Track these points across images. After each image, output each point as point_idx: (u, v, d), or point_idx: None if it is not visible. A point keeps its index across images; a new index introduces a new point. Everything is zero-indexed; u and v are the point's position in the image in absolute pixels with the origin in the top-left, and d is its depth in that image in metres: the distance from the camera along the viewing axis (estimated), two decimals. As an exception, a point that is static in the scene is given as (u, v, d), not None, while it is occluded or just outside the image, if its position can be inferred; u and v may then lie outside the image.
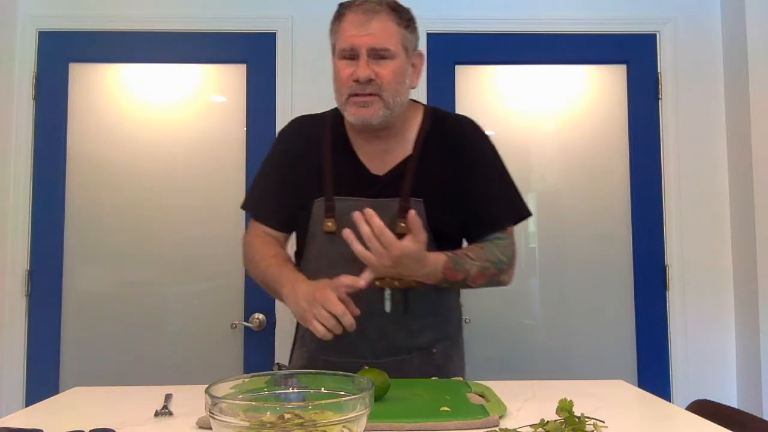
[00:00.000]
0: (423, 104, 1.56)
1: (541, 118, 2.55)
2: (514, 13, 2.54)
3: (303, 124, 1.58)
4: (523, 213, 1.52)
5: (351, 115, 1.41)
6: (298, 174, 1.49)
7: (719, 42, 2.55)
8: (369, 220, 1.25)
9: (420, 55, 1.48)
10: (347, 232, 1.26)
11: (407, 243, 1.26)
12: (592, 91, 2.58)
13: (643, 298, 2.49)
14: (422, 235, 1.28)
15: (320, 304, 1.26)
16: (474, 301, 2.46)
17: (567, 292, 2.51)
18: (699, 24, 2.55)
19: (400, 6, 1.42)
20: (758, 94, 2.36)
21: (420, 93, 2.47)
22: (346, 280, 1.28)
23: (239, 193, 2.43)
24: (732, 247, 2.48)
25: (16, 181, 2.42)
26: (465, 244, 1.55)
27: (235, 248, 2.45)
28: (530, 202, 2.52)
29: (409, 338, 1.44)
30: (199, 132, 2.49)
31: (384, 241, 1.24)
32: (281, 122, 2.45)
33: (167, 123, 2.50)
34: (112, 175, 2.47)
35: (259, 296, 2.41)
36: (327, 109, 1.60)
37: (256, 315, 2.41)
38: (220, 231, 2.45)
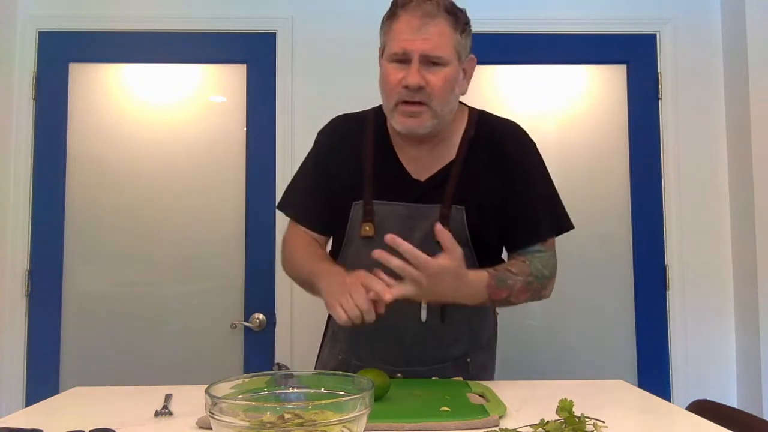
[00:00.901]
0: (469, 107, 1.51)
1: (541, 118, 2.55)
2: (514, 13, 2.54)
3: (343, 123, 1.52)
4: (565, 225, 1.48)
5: (398, 124, 1.36)
6: (337, 175, 1.45)
7: (719, 42, 2.55)
8: (398, 246, 1.20)
9: (472, 59, 1.43)
10: (380, 254, 1.21)
11: (442, 260, 1.21)
12: (592, 91, 2.58)
13: (643, 298, 2.49)
14: (457, 251, 1.23)
15: (349, 293, 1.22)
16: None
17: (567, 292, 2.50)
18: (699, 24, 2.55)
19: (457, 9, 1.36)
20: (758, 94, 2.36)
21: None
22: (377, 285, 1.22)
23: (239, 193, 2.44)
24: (732, 247, 2.48)
25: (16, 181, 2.42)
26: (505, 254, 1.51)
27: (235, 248, 2.47)
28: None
29: (444, 348, 1.41)
30: (199, 132, 2.49)
31: (417, 262, 1.19)
32: (281, 122, 2.47)
33: (167, 123, 2.50)
34: (112, 175, 2.47)
35: (259, 296, 2.41)
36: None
37: (256, 315, 2.40)
38: (221, 231, 2.45)
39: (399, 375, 1.36)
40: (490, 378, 1.52)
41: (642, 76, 2.55)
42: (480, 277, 1.31)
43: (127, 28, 2.49)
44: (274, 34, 2.50)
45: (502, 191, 1.41)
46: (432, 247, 1.27)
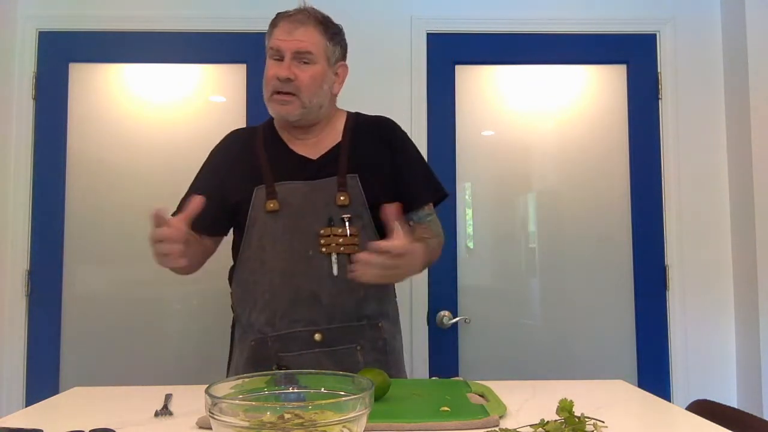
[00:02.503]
0: (347, 111, 1.70)
1: (541, 118, 2.55)
2: (514, 13, 2.54)
3: (235, 133, 1.72)
4: (443, 192, 1.66)
5: (272, 110, 1.56)
6: (233, 174, 1.59)
7: (719, 42, 2.55)
8: (364, 259, 1.29)
9: (344, 66, 1.62)
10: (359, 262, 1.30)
11: (398, 242, 1.30)
12: (592, 91, 2.58)
13: (643, 298, 2.49)
14: (404, 230, 1.33)
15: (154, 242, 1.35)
16: (474, 301, 2.46)
17: (567, 292, 2.51)
18: (699, 24, 2.55)
19: (329, 20, 1.58)
20: (758, 94, 2.36)
21: (420, 93, 2.48)
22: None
23: (239, 193, 2.44)
24: (732, 247, 2.48)
25: (16, 181, 2.42)
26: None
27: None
28: (530, 202, 2.54)
29: (358, 305, 1.52)
30: (199, 132, 2.49)
31: (385, 248, 1.28)
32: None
33: (167, 123, 2.50)
34: (112, 175, 2.47)
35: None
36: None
37: (256, 315, 2.40)
38: (220, 231, 2.44)
39: (318, 336, 1.47)
40: (400, 350, 1.63)
41: (642, 76, 2.55)
42: (420, 247, 1.43)
43: (127, 28, 2.49)
44: (274, 34, 2.50)
45: (386, 163, 1.59)
46: (335, 210, 1.49)
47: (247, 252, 1.55)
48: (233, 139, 1.70)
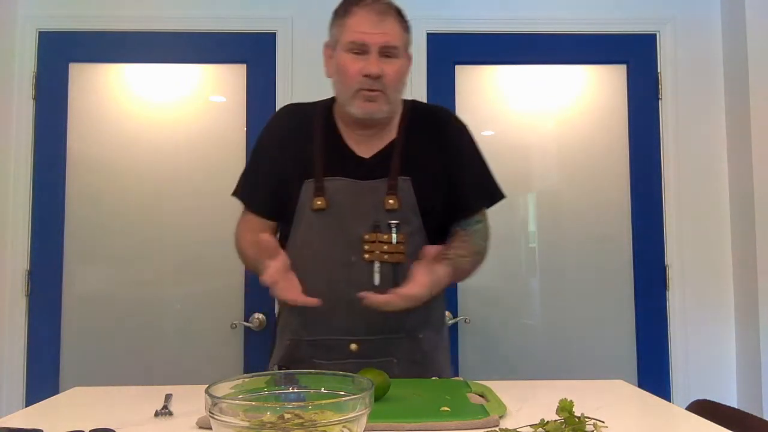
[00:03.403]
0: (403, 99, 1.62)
1: (541, 118, 2.55)
2: (514, 13, 2.54)
3: (292, 111, 1.63)
4: (497, 196, 1.60)
5: (357, 108, 1.46)
6: (287, 158, 1.53)
7: (719, 42, 2.55)
8: (373, 301, 1.32)
9: (410, 57, 1.55)
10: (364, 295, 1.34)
11: (412, 289, 1.34)
12: (592, 91, 2.58)
13: (643, 298, 2.49)
14: (422, 279, 1.35)
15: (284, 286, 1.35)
16: (474, 301, 2.46)
17: (567, 292, 2.51)
18: (699, 24, 2.55)
19: (402, 11, 1.50)
20: (758, 94, 2.36)
21: (420, 93, 2.47)
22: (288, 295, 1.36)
23: (239, 193, 2.44)
24: (732, 247, 2.48)
25: (16, 181, 2.42)
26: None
27: (235, 248, 2.46)
28: (530, 202, 2.54)
29: (397, 317, 1.45)
30: (199, 132, 2.49)
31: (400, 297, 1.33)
32: (281, 122, 2.46)
33: (167, 123, 2.50)
34: (112, 176, 2.47)
35: (259, 296, 2.41)
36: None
37: (256, 315, 2.41)
38: (220, 231, 2.43)
39: (354, 345, 1.43)
40: (445, 361, 1.58)
41: (642, 76, 2.55)
42: (444, 273, 1.44)
43: (127, 28, 2.49)
44: (274, 34, 2.50)
45: (441, 164, 1.52)
46: (383, 214, 1.43)
47: (292, 248, 1.49)
48: (291, 117, 1.61)
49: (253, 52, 2.52)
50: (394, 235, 1.42)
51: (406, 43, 1.49)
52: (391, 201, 1.44)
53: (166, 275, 2.46)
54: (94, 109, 2.49)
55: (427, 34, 2.51)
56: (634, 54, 2.56)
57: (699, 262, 2.48)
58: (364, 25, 1.42)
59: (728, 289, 2.48)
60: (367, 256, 1.42)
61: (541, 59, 2.56)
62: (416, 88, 2.47)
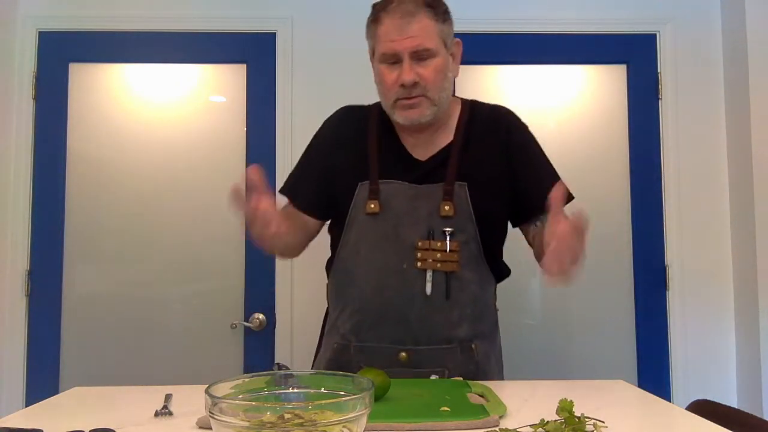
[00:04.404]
0: (460, 98, 1.58)
1: (541, 118, 2.54)
2: (515, 13, 2.54)
3: (349, 112, 1.60)
4: (569, 195, 1.50)
5: (400, 117, 1.43)
6: (342, 158, 1.51)
7: (719, 42, 2.55)
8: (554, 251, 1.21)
9: (458, 43, 1.49)
10: None
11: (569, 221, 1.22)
12: (592, 91, 2.58)
13: (643, 298, 2.49)
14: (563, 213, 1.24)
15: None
16: (474, 301, 2.46)
17: (567, 292, 2.51)
18: (699, 24, 2.55)
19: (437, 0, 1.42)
20: (758, 94, 2.36)
21: (420, 93, 2.47)
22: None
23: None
24: (732, 247, 2.48)
25: (16, 181, 2.42)
26: (509, 227, 1.58)
27: (235, 248, 2.47)
28: (530, 202, 2.54)
29: (449, 327, 1.42)
30: (199, 132, 2.49)
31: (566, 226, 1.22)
32: (281, 122, 2.47)
33: (167, 123, 2.50)
34: (112, 176, 2.47)
35: (259, 296, 2.42)
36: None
37: (256, 315, 2.41)
38: (220, 231, 2.45)
39: (403, 354, 1.39)
40: (498, 370, 1.53)
41: (642, 76, 2.55)
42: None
43: (127, 28, 2.49)
44: (274, 34, 2.50)
45: (501, 168, 1.48)
46: (437, 221, 1.39)
47: (343, 252, 1.47)
48: (346, 118, 1.58)
49: (253, 52, 2.51)
50: (447, 243, 1.39)
51: (444, 36, 1.41)
52: (446, 207, 1.40)
53: (166, 275, 2.46)
54: (94, 109, 2.49)
55: (427, 34, 2.51)
56: (634, 54, 2.56)
57: (699, 262, 2.48)
58: (391, 33, 1.37)
59: (728, 289, 2.48)
60: (419, 264, 1.39)
61: (541, 59, 2.56)
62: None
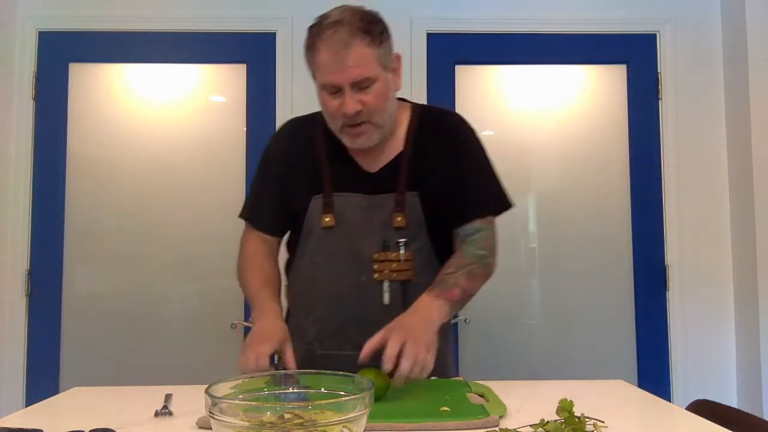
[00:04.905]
0: (410, 102, 1.57)
1: (541, 117, 2.55)
2: (514, 13, 2.54)
3: (297, 126, 1.60)
4: (504, 205, 1.53)
5: (347, 142, 1.44)
6: (294, 174, 1.51)
7: (719, 42, 2.55)
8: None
9: (398, 57, 1.46)
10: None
11: (383, 333, 1.25)
12: (592, 91, 2.58)
13: (643, 298, 2.49)
14: (378, 341, 1.26)
15: (250, 357, 1.29)
16: (474, 301, 2.45)
17: (567, 292, 2.51)
18: (699, 24, 2.55)
19: (370, 21, 1.38)
20: (758, 94, 2.36)
21: (420, 93, 2.47)
22: (289, 362, 1.31)
23: (239, 193, 2.43)
24: (732, 247, 2.48)
25: (16, 181, 2.42)
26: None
27: (235, 248, 2.46)
28: (530, 202, 2.54)
29: None
30: (199, 132, 2.49)
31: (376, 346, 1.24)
32: (281, 122, 2.45)
33: (167, 123, 2.50)
34: (112, 176, 2.47)
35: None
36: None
37: (256, 315, 2.40)
38: (220, 231, 2.44)
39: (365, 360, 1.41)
40: (451, 364, 1.57)
41: (642, 76, 2.55)
42: (427, 299, 1.35)
43: (127, 28, 2.49)
44: (274, 34, 2.50)
45: (450, 175, 1.48)
46: (391, 232, 1.41)
47: (301, 262, 1.49)
48: (295, 133, 1.57)
49: (253, 52, 2.51)
50: (401, 253, 1.41)
51: (383, 59, 1.38)
52: (399, 218, 1.42)
53: (166, 275, 2.46)
54: (94, 109, 2.49)
55: (427, 34, 2.51)
56: (634, 54, 2.56)
57: (699, 262, 2.48)
58: (330, 65, 1.35)
59: (728, 289, 2.48)
60: (376, 275, 1.41)
61: (541, 59, 2.56)
62: (416, 88, 2.47)
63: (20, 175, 2.42)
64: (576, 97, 2.57)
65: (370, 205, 1.44)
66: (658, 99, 2.54)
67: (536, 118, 2.55)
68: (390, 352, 1.20)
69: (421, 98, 2.48)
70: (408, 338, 1.22)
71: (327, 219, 1.44)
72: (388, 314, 1.40)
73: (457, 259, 1.45)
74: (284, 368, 1.31)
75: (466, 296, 1.44)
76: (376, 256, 1.41)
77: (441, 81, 2.52)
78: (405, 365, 1.19)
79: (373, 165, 1.48)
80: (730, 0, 2.49)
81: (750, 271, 2.36)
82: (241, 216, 1.61)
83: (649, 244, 2.50)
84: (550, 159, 2.55)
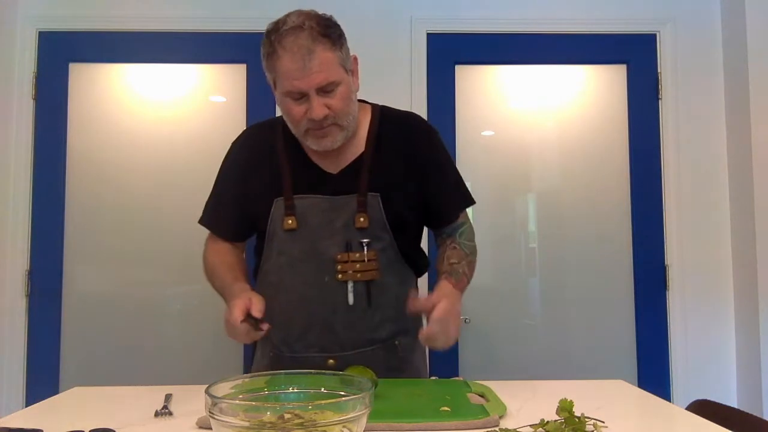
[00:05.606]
0: (370, 103, 1.57)
1: (541, 118, 2.55)
2: (514, 13, 2.54)
3: (255, 132, 1.61)
4: (469, 201, 1.58)
5: (312, 144, 1.43)
6: (254, 180, 1.52)
7: (719, 42, 2.55)
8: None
9: (355, 59, 1.47)
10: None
11: (438, 310, 1.31)
12: (592, 91, 2.58)
13: (643, 298, 2.49)
14: (434, 300, 1.33)
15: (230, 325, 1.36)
16: (474, 301, 2.46)
17: (567, 292, 2.51)
18: (699, 24, 2.55)
19: (328, 25, 1.38)
20: (758, 94, 2.37)
21: (420, 93, 2.48)
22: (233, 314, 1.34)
23: (239, 193, 2.43)
24: (732, 247, 2.48)
25: (16, 181, 2.42)
26: (426, 231, 1.62)
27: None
28: (530, 202, 2.54)
29: (372, 330, 1.47)
30: (199, 132, 2.49)
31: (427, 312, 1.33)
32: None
33: (167, 123, 2.50)
34: (112, 176, 2.47)
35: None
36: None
37: (256, 315, 2.40)
38: (220, 231, 2.44)
39: (331, 361, 1.43)
40: (422, 361, 1.59)
41: (642, 76, 2.55)
42: (449, 288, 1.42)
43: (127, 28, 2.49)
44: (274, 34, 2.50)
45: (413, 176, 1.50)
46: (354, 233, 1.42)
47: (266, 265, 1.51)
48: (255, 139, 1.58)
49: (253, 52, 2.49)
50: (365, 253, 1.42)
51: (344, 61, 1.39)
52: (361, 219, 1.43)
53: (166, 275, 2.46)
54: (94, 109, 2.49)
55: (427, 34, 2.51)
56: (634, 54, 2.56)
57: (699, 262, 2.48)
58: (293, 72, 1.33)
59: (728, 289, 2.48)
60: (340, 276, 1.42)
61: (541, 59, 2.56)
62: (416, 88, 2.47)
63: (20, 175, 2.42)
64: (576, 97, 2.57)
65: (332, 206, 1.45)
66: (658, 99, 2.54)
67: (536, 118, 2.55)
68: (437, 315, 1.29)
69: (421, 98, 2.48)
70: (452, 312, 1.32)
71: (289, 221, 1.44)
72: (352, 314, 1.44)
73: (456, 251, 1.51)
74: (255, 320, 1.31)
75: (467, 285, 1.51)
76: (339, 256, 1.42)
77: (441, 81, 2.52)
78: (436, 329, 1.30)
79: (335, 167, 1.48)
80: (730, 0, 2.49)
81: (750, 271, 2.36)
82: (201, 222, 1.62)
83: (649, 244, 2.50)
84: (550, 159, 2.55)
